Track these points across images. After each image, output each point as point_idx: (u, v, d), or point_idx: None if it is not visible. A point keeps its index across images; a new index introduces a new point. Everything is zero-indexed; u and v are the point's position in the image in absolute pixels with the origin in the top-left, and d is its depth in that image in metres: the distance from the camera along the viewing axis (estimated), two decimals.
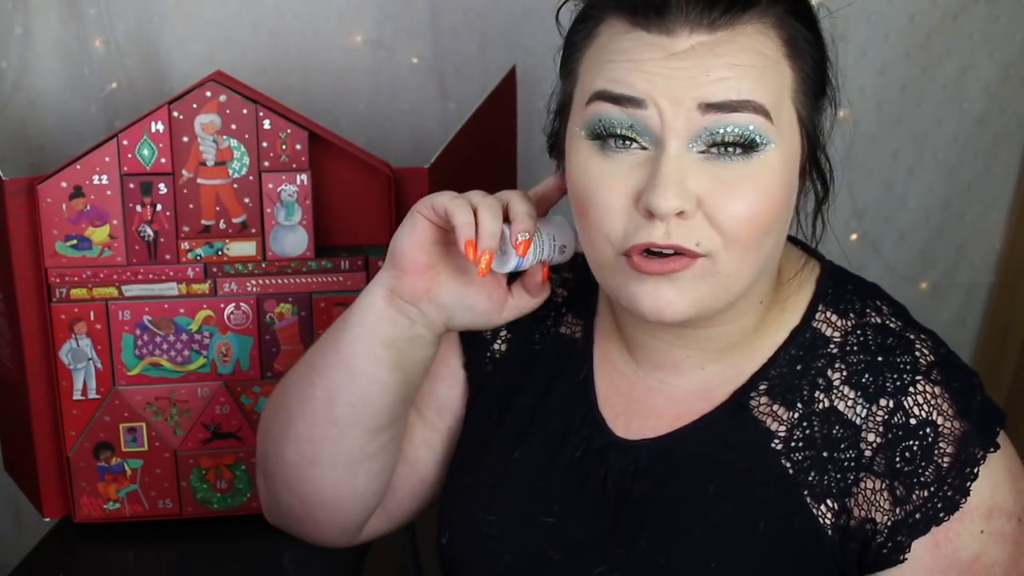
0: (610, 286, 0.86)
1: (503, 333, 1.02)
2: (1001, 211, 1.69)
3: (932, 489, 0.84)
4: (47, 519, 1.31)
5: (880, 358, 0.87)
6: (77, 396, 1.24)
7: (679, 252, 0.80)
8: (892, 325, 0.89)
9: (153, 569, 1.28)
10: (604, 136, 0.82)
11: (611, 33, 0.82)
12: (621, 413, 0.94)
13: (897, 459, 0.84)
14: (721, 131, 0.79)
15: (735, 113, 0.79)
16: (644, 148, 0.81)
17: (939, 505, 0.83)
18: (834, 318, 0.90)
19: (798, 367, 0.89)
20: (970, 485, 0.83)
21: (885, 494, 0.85)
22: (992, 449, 0.84)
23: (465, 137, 1.28)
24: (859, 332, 0.89)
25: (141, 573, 1.28)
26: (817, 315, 0.90)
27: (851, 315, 0.90)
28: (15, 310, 1.22)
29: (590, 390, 0.96)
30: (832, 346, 0.89)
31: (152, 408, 1.26)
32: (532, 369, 0.99)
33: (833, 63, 0.87)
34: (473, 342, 1.03)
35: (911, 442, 0.84)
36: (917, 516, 0.84)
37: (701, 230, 0.80)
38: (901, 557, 0.84)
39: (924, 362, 0.87)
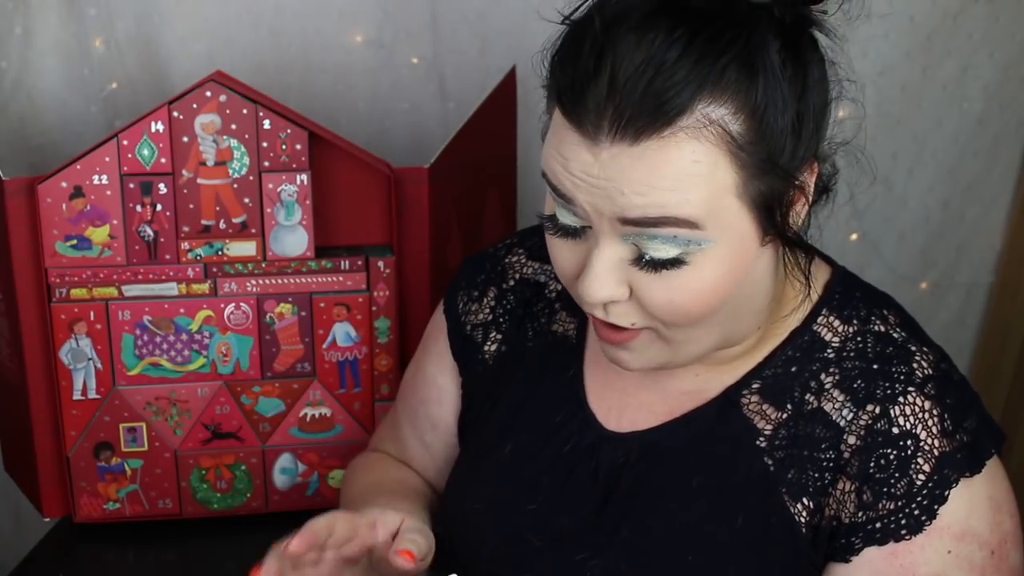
0: None
1: (493, 334, 1.02)
2: (1001, 211, 1.69)
3: (900, 504, 0.82)
4: (47, 519, 1.31)
5: (876, 366, 0.86)
6: (77, 396, 1.24)
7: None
8: (895, 335, 0.88)
9: (153, 569, 1.28)
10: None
11: (558, 112, 0.79)
12: (614, 407, 0.94)
13: (871, 465, 0.83)
14: (645, 256, 0.77)
15: (655, 228, 0.76)
16: (588, 227, 0.80)
17: (903, 522, 0.82)
18: (836, 323, 0.89)
19: (793, 368, 0.89)
20: (938, 508, 0.82)
21: (853, 496, 0.84)
22: (969, 473, 0.83)
23: (465, 137, 1.28)
24: (859, 339, 0.88)
25: (141, 573, 1.28)
26: (819, 319, 0.90)
27: (855, 322, 0.89)
28: (15, 310, 1.22)
29: (579, 387, 0.96)
30: (830, 351, 0.88)
31: (152, 408, 1.26)
32: (523, 365, 1.00)
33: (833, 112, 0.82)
34: (464, 351, 1.04)
35: (889, 451, 0.83)
36: (878, 525, 0.83)
37: (636, 314, 0.81)
38: (848, 557, 0.84)
39: (920, 375, 0.85)
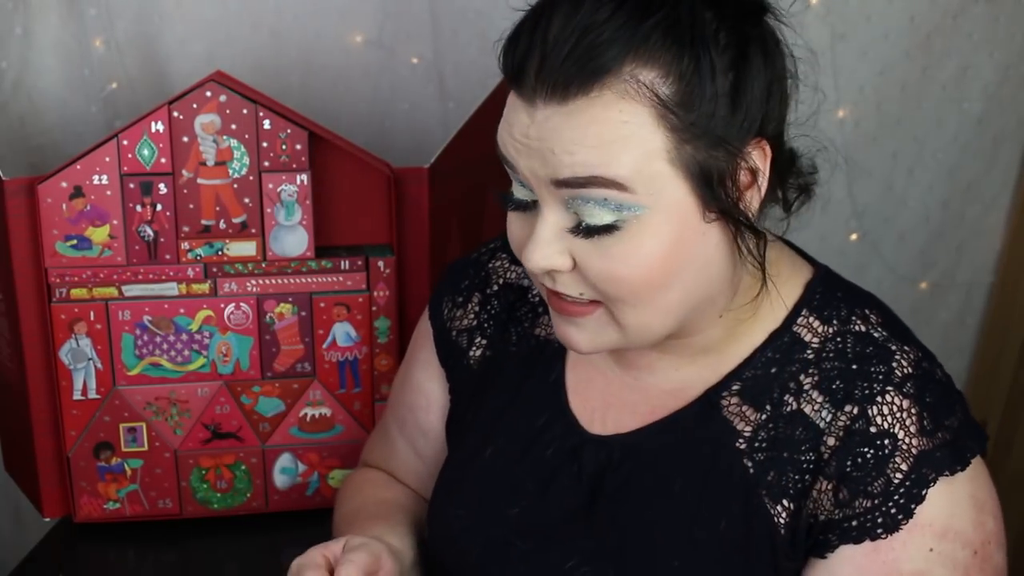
0: None
1: (478, 339, 1.03)
2: (1001, 211, 1.69)
3: (876, 502, 0.82)
4: (47, 519, 1.31)
5: (855, 366, 0.85)
6: (77, 396, 1.24)
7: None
8: (876, 335, 0.87)
9: (153, 569, 1.28)
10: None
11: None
12: (597, 408, 0.94)
13: (848, 464, 0.83)
14: (582, 223, 0.78)
15: (585, 188, 0.77)
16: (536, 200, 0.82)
17: (879, 521, 0.82)
18: (816, 324, 0.88)
19: (772, 370, 0.88)
20: (916, 507, 0.81)
21: (830, 494, 0.83)
22: (949, 472, 0.82)
23: (465, 137, 1.28)
24: (839, 339, 0.87)
25: (141, 573, 1.28)
26: (799, 320, 0.89)
27: (835, 322, 0.88)
28: (15, 310, 1.22)
29: (560, 391, 0.96)
30: (809, 351, 0.87)
31: (152, 408, 1.26)
32: (506, 370, 1.00)
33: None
34: (450, 357, 1.04)
35: (866, 450, 0.83)
36: (854, 523, 0.82)
37: (582, 284, 0.82)
38: (825, 554, 0.84)
39: (900, 373, 0.84)
